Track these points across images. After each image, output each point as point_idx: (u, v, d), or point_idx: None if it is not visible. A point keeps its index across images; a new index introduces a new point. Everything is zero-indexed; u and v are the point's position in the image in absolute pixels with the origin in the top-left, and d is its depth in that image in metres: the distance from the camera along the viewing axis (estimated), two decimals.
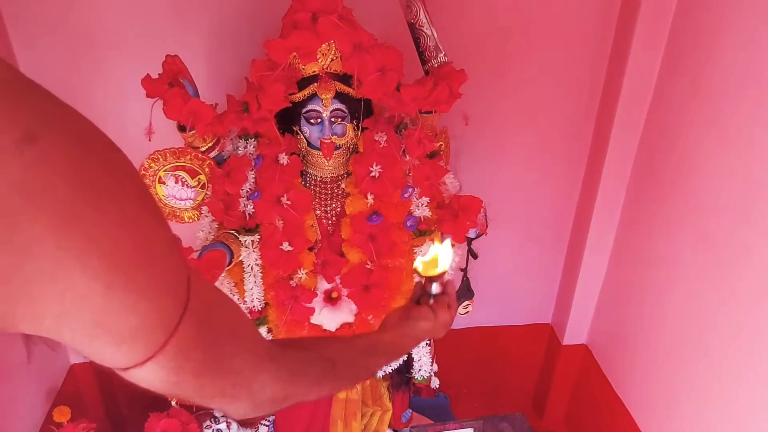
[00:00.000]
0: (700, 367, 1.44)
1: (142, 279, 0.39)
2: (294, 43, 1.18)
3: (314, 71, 1.25)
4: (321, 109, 1.27)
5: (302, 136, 1.32)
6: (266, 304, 1.44)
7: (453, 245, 1.40)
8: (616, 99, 1.66)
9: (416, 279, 1.33)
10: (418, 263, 0.82)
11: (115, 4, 1.48)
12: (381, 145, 1.32)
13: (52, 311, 0.36)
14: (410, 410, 1.77)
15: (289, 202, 1.30)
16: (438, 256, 0.81)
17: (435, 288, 0.82)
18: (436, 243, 0.83)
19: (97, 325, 0.38)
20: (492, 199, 1.37)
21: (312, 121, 1.28)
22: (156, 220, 0.42)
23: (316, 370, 0.66)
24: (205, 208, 1.40)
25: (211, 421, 1.73)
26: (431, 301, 0.83)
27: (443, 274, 0.82)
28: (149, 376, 0.44)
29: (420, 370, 1.55)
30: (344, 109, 1.28)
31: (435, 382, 1.66)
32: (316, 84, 1.24)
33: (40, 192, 0.33)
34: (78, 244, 0.35)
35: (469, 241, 1.35)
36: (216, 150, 1.34)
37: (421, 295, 0.83)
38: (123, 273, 0.38)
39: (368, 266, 1.37)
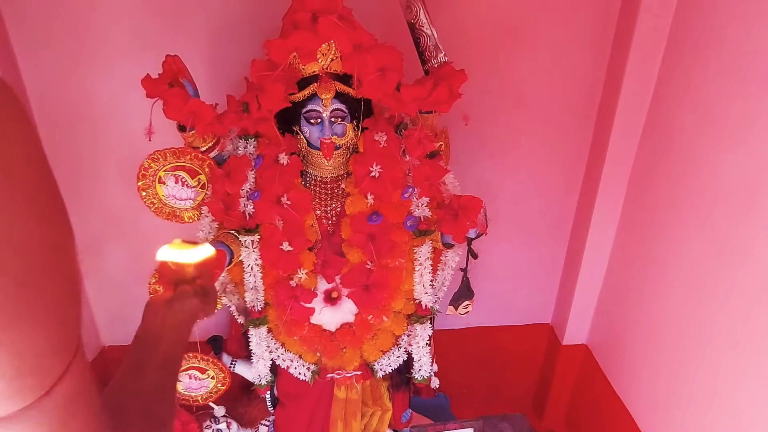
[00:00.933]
0: (700, 367, 1.44)
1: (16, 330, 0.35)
2: (294, 43, 1.18)
3: (314, 71, 1.25)
4: (321, 109, 1.26)
5: (302, 136, 1.32)
6: (266, 304, 1.44)
7: (453, 245, 1.40)
8: (616, 99, 1.66)
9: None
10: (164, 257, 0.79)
11: (116, 5, 1.48)
12: (381, 145, 1.32)
13: None
14: (410, 410, 1.77)
15: (289, 202, 1.30)
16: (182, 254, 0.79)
17: (191, 271, 0.80)
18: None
19: None
20: (492, 199, 1.37)
21: (312, 121, 1.28)
22: (58, 258, 0.37)
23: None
24: (205, 208, 1.40)
25: (211, 421, 1.73)
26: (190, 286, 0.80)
27: (198, 262, 0.80)
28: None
29: (420, 370, 1.55)
30: (344, 109, 1.28)
31: (435, 382, 1.66)
32: (316, 84, 1.24)
33: None
34: None
35: (469, 241, 1.34)
36: (216, 150, 1.34)
37: (176, 282, 0.80)
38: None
39: (368, 266, 1.37)
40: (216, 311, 0.83)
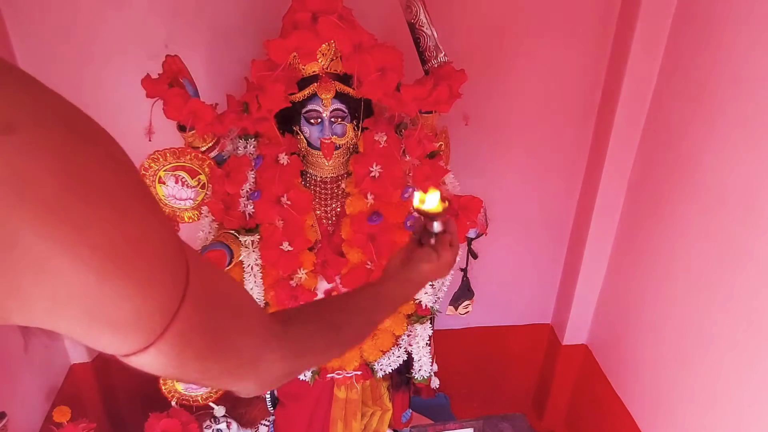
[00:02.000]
0: (701, 367, 1.44)
1: (136, 268, 0.39)
2: (294, 43, 1.18)
3: (314, 71, 1.25)
4: (321, 109, 1.26)
5: (302, 136, 1.32)
6: (266, 304, 1.44)
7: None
8: (616, 98, 1.67)
9: (414, 217, 1.31)
10: (417, 200, 0.79)
11: (116, 5, 1.48)
12: (381, 145, 1.32)
13: (44, 303, 0.36)
14: (410, 410, 1.77)
15: (289, 202, 1.30)
16: (439, 195, 0.79)
17: (437, 227, 0.79)
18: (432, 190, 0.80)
19: (92, 315, 0.38)
20: (492, 199, 1.37)
21: (312, 121, 1.28)
22: (149, 209, 0.41)
23: (322, 341, 0.65)
24: (205, 208, 1.40)
25: (211, 421, 1.73)
26: (432, 240, 0.80)
27: (445, 210, 0.79)
28: (151, 362, 0.44)
29: (420, 370, 1.55)
30: (344, 109, 1.28)
31: (435, 382, 1.66)
32: (316, 84, 1.24)
33: (24, 184, 0.32)
34: (67, 236, 0.34)
35: (469, 241, 1.34)
36: (216, 150, 1.34)
37: (422, 235, 0.80)
38: (115, 263, 0.37)
39: (368, 266, 1.37)
40: (447, 276, 0.85)
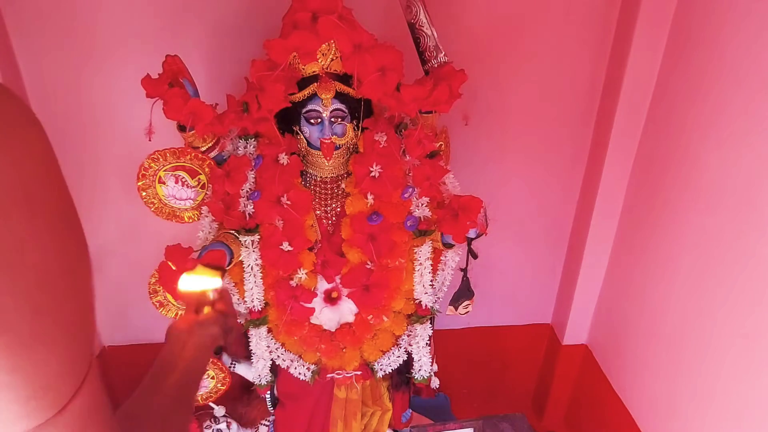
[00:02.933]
0: (700, 367, 1.44)
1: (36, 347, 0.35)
2: (294, 43, 1.18)
3: (314, 71, 1.25)
4: (321, 109, 1.26)
5: (302, 136, 1.32)
6: (266, 304, 1.44)
7: (453, 245, 1.40)
8: (616, 99, 1.67)
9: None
10: (184, 285, 0.83)
11: (116, 5, 1.48)
12: (381, 145, 1.32)
13: None
14: (410, 410, 1.77)
15: (289, 202, 1.30)
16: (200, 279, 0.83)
17: (213, 295, 0.83)
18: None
19: None
20: (492, 199, 1.36)
21: (312, 121, 1.28)
22: (60, 296, 0.37)
23: None
24: (205, 208, 1.40)
25: (211, 421, 1.73)
26: (210, 309, 0.83)
27: (215, 284, 0.83)
28: None
29: (420, 370, 1.55)
30: (344, 109, 1.28)
31: (435, 382, 1.66)
32: (316, 84, 1.24)
33: None
34: None
35: (469, 241, 1.34)
36: (216, 150, 1.34)
37: (197, 307, 0.84)
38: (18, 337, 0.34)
39: (368, 266, 1.37)
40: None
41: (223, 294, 0.85)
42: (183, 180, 1.36)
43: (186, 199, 1.39)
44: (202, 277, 0.83)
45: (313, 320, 1.44)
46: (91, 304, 0.43)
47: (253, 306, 1.42)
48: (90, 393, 0.42)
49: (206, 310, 0.82)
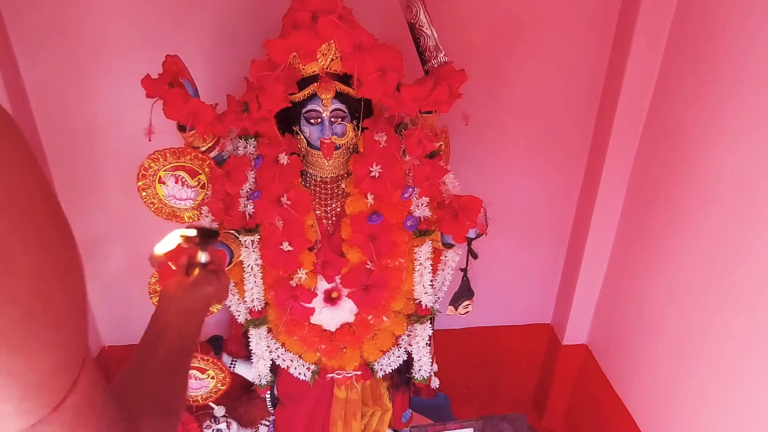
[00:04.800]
0: (700, 367, 1.44)
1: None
2: (294, 43, 1.18)
3: (314, 71, 1.25)
4: (321, 109, 1.26)
5: (302, 136, 1.32)
6: (266, 304, 1.44)
7: (453, 245, 1.40)
8: (616, 99, 1.66)
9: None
10: (160, 249, 0.80)
11: (116, 5, 1.48)
12: (381, 145, 1.32)
13: None
14: (410, 410, 1.77)
15: (289, 202, 1.30)
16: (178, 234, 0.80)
17: (204, 257, 0.80)
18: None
19: None
20: (492, 199, 1.36)
21: (312, 121, 1.28)
22: (48, 273, 0.37)
23: (166, 418, 0.63)
24: (205, 208, 1.40)
25: (211, 421, 1.73)
26: (204, 269, 0.80)
27: (212, 241, 0.80)
28: None
29: (420, 370, 1.55)
30: (344, 109, 1.28)
31: (435, 382, 1.66)
32: (316, 84, 1.24)
33: None
34: None
35: (469, 241, 1.34)
36: (216, 150, 1.34)
37: (188, 269, 0.80)
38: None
39: (368, 266, 1.37)
40: (226, 299, 0.83)
41: (213, 255, 0.81)
42: (183, 180, 1.36)
43: (186, 199, 1.39)
44: (190, 236, 0.79)
45: (313, 320, 1.44)
46: (83, 303, 0.43)
47: (253, 306, 1.42)
48: (85, 389, 0.42)
49: (196, 271, 0.79)
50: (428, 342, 1.54)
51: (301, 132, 1.31)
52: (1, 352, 0.35)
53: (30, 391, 0.38)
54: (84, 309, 0.44)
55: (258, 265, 1.38)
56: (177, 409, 0.67)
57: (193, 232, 0.79)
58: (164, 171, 1.34)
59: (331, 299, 1.43)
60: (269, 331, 1.50)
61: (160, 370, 0.67)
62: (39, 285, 0.37)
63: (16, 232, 0.35)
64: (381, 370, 1.51)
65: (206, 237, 0.79)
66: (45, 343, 0.38)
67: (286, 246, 1.33)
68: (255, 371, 1.54)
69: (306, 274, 1.37)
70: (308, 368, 1.51)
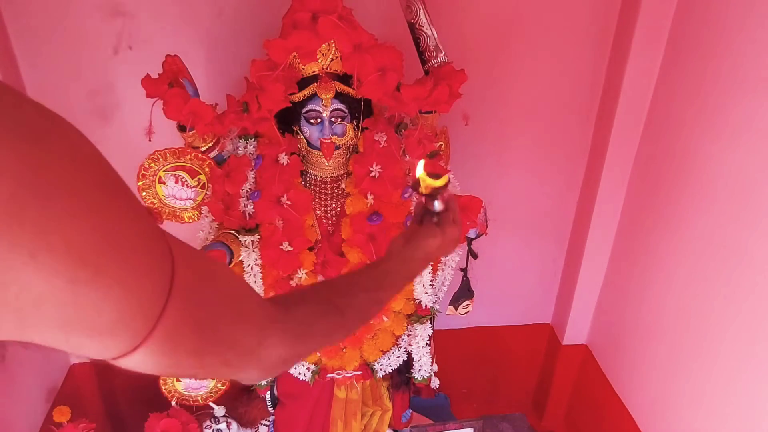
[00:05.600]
0: (700, 367, 1.44)
1: (111, 269, 0.36)
2: (294, 43, 1.18)
3: (314, 71, 1.25)
4: (321, 109, 1.27)
5: (302, 136, 1.32)
6: None
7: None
8: (616, 99, 1.66)
9: (415, 198, 1.30)
10: (419, 176, 0.77)
11: (116, 5, 1.48)
12: (381, 145, 1.32)
13: (11, 316, 0.33)
14: (410, 410, 1.77)
15: (289, 202, 1.30)
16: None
17: (437, 205, 0.77)
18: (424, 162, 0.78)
19: (67, 323, 0.35)
20: (492, 199, 1.37)
21: (312, 121, 1.28)
22: (122, 203, 0.38)
23: (325, 323, 0.63)
24: (205, 208, 1.40)
25: (211, 421, 1.73)
26: (435, 219, 0.78)
27: (445, 187, 0.77)
28: (141, 363, 0.42)
29: (420, 370, 1.55)
30: (344, 109, 1.28)
31: (435, 382, 1.66)
32: (316, 84, 1.24)
33: None
34: (28, 241, 0.31)
35: (469, 241, 1.34)
36: (216, 150, 1.34)
37: (423, 215, 0.79)
38: (86, 265, 0.34)
39: None
40: (456, 251, 0.84)
41: (449, 203, 0.79)
42: (183, 180, 1.36)
43: (186, 199, 1.39)
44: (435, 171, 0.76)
45: None
46: (151, 223, 0.43)
47: None
48: (179, 306, 0.42)
49: (437, 204, 0.77)
50: (428, 342, 1.54)
51: (301, 132, 1.31)
52: (88, 263, 0.35)
53: (120, 321, 0.38)
54: (155, 228, 0.44)
55: (258, 265, 1.38)
56: (349, 320, 0.67)
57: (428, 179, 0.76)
58: (164, 171, 1.34)
59: None
60: None
61: (353, 284, 0.69)
62: (131, 203, 0.39)
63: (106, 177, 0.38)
64: (381, 370, 1.51)
65: (438, 185, 0.76)
66: (141, 258, 0.39)
67: (286, 246, 1.33)
68: None
69: (306, 274, 1.37)
70: (308, 368, 1.51)
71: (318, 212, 1.39)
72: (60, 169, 0.33)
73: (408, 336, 1.52)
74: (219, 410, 1.73)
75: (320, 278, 1.39)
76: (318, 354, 1.49)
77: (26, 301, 0.33)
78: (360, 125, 1.32)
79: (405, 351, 1.53)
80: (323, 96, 1.25)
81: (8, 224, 0.30)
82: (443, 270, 1.49)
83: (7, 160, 0.30)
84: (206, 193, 1.39)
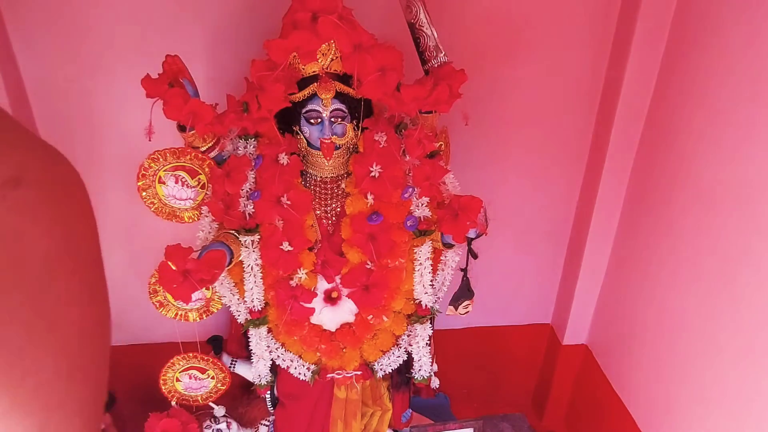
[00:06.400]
0: (700, 367, 1.44)
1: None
2: (294, 43, 1.18)
3: (314, 71, 1.25)
4: (321, 109, 1.26)
5: (302, 136, 1.32)
6: (266, 304, 1.44)
7: (453, 245, 1.40)
8: (616, 99, 1.67)
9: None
10: None
11: (116, 5, 1.48)
12: (381, 145, 1.32)
13: None
14: (410, 410, 1.77)
15: (289, 202, 1.30)
16: None
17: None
18: None
19: None
20: (492, 199, 1.36)
21: (312, 121, 1.28)
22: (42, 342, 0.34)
23: None
24: (205, 208, 1.40)
25: (211, 421, 1.73)
26: None
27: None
28: None
29: (420, 370, 1.55)
30: (344, 109, 1.28)
31: (435, 382, 1.66)
32: (316, 84, 1.24)
33: (19, 243, 0.29)
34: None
35: (469, 241, 1.34)
36: (216, 150, 1.34)
37: None
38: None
39: (368, 266, 1.37)
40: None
41: None
42: (183, 180, 1.36)
43: (186, 199, 1.39)
44: None
45: (313, 320, 1.44)
46: (107, 357, 0.41)
47: (253, 306, 1.42)
48: None
49: None
50: (428, 342, 1.53)
51: (301, 132, 1.31)
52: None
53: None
54: (107, 359, 0.42)
55: (258, 265, 1.38)
56: None
57: None
58: (164, 171, 1.34)
59: (331, 299, 1.43)
60: (269, 331, 1.50)
61: None
62: (84, 335, 0.36)
63: (76, 282, 0.35)
64: (381, 370, 1.51)
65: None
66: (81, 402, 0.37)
67: (286, 246, 1.33)
68: (255, 371, 1.54)
69: (306, 274, 1.37)
70: (308, 368, 1.51)
71: (318, 212, 1.39)
72: (89, 244, 0.33)
73: (408, 336, 1.52)
74: (219, 410, 1.73)
75: (320, 278, 1.39)
76: (318, 354, 1.49)
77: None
78: (360, 125, 1.32)
79: (405, 351, 1.53)
80: (323, 96, 1.25)
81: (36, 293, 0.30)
82: (443, 270, 1.49)
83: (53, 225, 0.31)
84: (206, 193, 1.39)
